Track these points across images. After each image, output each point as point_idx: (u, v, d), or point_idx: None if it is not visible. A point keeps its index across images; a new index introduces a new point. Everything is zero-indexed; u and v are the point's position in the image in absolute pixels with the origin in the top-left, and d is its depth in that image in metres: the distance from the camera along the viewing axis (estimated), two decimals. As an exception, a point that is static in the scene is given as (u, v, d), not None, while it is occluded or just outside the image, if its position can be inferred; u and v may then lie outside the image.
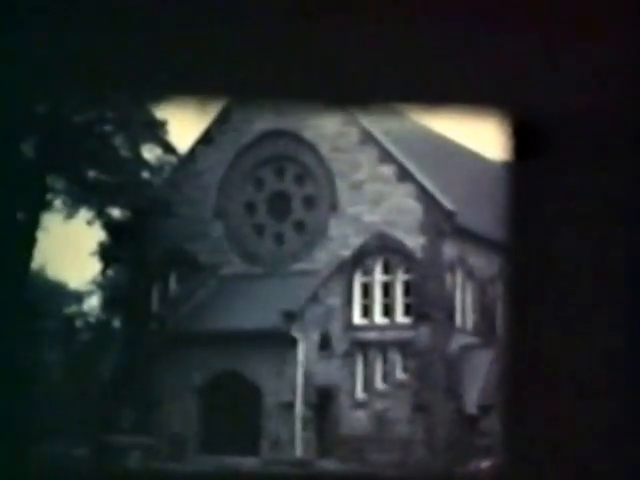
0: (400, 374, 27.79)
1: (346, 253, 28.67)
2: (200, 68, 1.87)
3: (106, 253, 31.78)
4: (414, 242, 28.00)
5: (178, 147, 31.48)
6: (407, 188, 28.47)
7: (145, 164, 30.73)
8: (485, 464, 20.66)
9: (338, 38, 1.80)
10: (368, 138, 29.22)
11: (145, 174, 30.94)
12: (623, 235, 1.85)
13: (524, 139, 1.84)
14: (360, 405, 27.74)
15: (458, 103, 1.88)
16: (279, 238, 30.15)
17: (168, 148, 30.99)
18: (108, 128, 29.67)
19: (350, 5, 1.81)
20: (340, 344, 28.13)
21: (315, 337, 27.71)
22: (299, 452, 26.46)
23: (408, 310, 28.05)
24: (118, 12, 1.90)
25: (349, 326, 28.38)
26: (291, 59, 1.81)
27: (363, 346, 28.16)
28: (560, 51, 1.80)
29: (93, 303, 37.18)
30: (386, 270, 28.54)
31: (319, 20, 1.80)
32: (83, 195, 29.35)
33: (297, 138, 30.00)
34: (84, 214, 29.75)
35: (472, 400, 26.71)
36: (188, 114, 26.93)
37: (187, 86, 1.93)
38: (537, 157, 1.85)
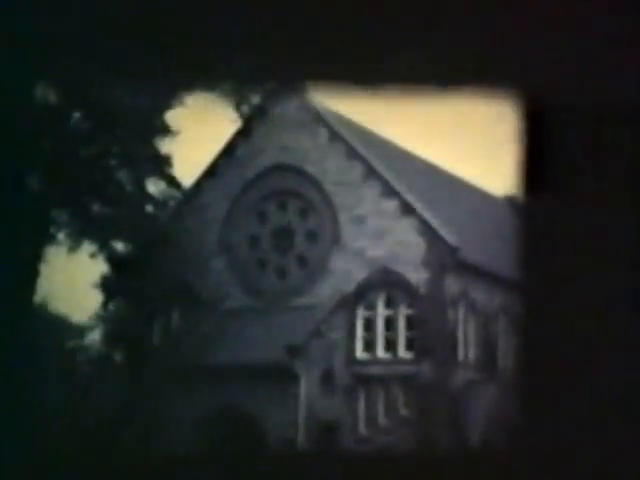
0: (403, 409, 27.68)
1: (349, 287, 28.66)
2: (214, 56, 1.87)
3: (108, 286, 31.77)
4: (417, 277, 27.99)
5: (183, 181, 31.60)
6: (410, 223, 28.51)
7: (149, 198, 30.81)
8: None
9: (351, 21, 1.79)
10: (371, 173, 29.31)
11: (149, 208, 31.01)
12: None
13: (536, 122, 1.82)
14: (363, 441, 27.59)
15: (472, 85, 1.87)
16: (282, 272, 30.16)
17: (172, 182, 31.10)
18: (113, 162, 29.79)
19: None
20: (342, 379, 28.04)
21: (317, 372, 27.62)
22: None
23: (411, 345, 27.99)
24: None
25: (351, 361, 28.31)
26: (302, 42, 1.80)
27: (366, 381, 28.06)
28: (573, 33, 1.78)
29: (95, 336, 37.11)
30: (389, 305, 28.52)
31: (333, 5, 1.79)
32: (86, 228, 29.40)
33: (301, 172, 30.10)
34: (87, 247, 29.80)
35: (475, 435, 26.58)
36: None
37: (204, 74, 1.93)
38: (548, 143, 1.83)
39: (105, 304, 33.57)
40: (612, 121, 1.93)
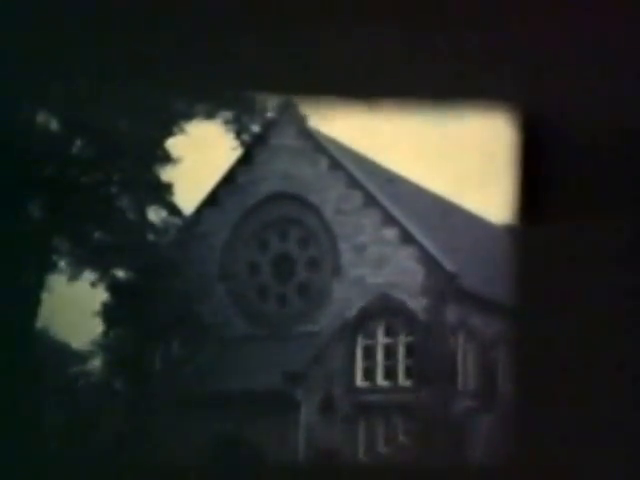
0: (402, 437, 27.67)
1: (349, 315, 28.73)
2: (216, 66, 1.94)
3: (109, 314, 31.82)
4: (417, 304, 28.07)
5: (184, 209, 31.70)
6: (410, 251, 28.62)
7: (150, 226, 30.88)
8: None
9: (347, 37, 1.85)
10: (371, 201, 29.46)
11: (150, 236, 31.08)
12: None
13: (533, 134, 1.88)
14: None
15: (469, 99, 1.93)
16: (282, 300, 30.23)
17: (173, 210, 31.17)
18: (114, 190, 29.91)
19: (359, 5, 1.87)
20: (342, 406, 28.05)
21: (317, 399, 27.64)
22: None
23: (410, 373, 28.02)
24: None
25: (351, 389, 28.33)
26: (300, 58, 1.87)
27: (365, 409, 28.07)
28: (568, 47, 1.84)
29: (96, 364, 37.07)
30: (388, 333, 28.57)
31: (327, 21, 1.86)
32: (88, 256, 29.48)
33: (301, 201, 30.24)
34: (88, 275, 29.86)
35: (475, 463, 26.54)
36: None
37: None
38: (544, 153, 1.88)
39: (106, 332, 33.59)
40: (610, 140, 2.01)
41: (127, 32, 2.01)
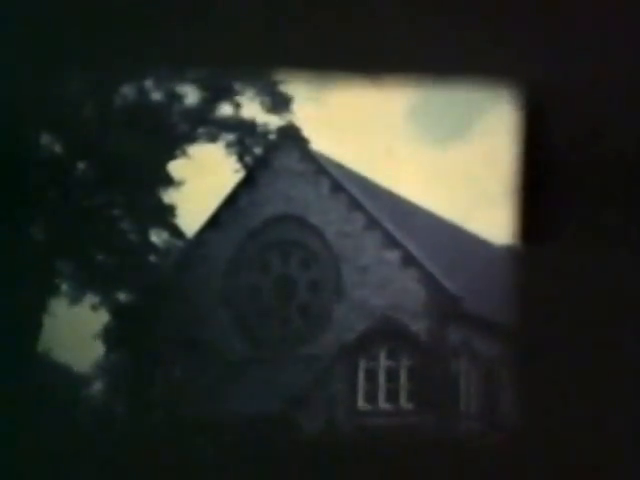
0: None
1: (351, 337, 28.69)
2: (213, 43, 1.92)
3: (111, 337, 31.79)
4: (419, 327, 28.04)
5: (186, 231, 31.75)
6: (412, 273, 28.61)
7: (152, 248, 30.93)
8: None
9: (348, 12, 1.82)
10: (373, 223, 29.49)
11: (152, 258, 31.11)
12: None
13: (535, 112, 1.85)
14: (365, 492, 27.45)
15: (473, 75, 1.89)
16: (284, 322, 30.20)
17: (175, 232, 31.21)
18: (116, 212, 29.97)
19: None
20: (344, 429, 27.94)
21: (319, 422, 27.55)
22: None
23: (412, 396, 27.93)
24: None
25: (353, 411, 28.24)
26: (303, 31, 1.83)
27: (367, 432, 27.95)
28: (572, 27, 1.81)
29: (97, 387, 37.02)
30: (390, 355, 28.51)
31: None
32: (90, 279, 29.49)
33: (303, 223, 30.28)
34: (90, 298, 29.86)
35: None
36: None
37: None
38: (545, 133, 1.84)
39: (107, 354, 33.55)
40: (613, 139, 1.98)
41: (126, 31, 1.99)
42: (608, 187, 1.94)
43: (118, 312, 31.07)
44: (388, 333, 28.42)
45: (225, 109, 29.43)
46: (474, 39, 1.91)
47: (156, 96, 28.91)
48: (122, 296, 30.90)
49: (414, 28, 1.92)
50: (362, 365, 28.67)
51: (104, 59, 2.02)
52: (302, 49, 1.93)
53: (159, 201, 30.08)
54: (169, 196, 30.12)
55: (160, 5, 1.96)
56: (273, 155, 30.90)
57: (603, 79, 1.92)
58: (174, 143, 28.82)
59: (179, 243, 31.62)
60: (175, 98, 29.08)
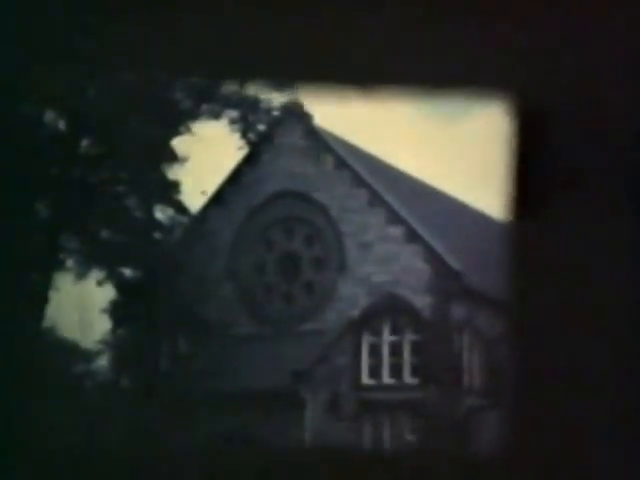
0: (408, 435, 27.73)
1: (355, 313, 28.81)
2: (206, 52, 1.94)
3: (116, 312, 31.93)
4: (422, 303, 28.14)
5: (190, 208, 31.80)
6: (415, 249, 28.69)
7: (157, 224, 30.99)
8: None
9: (344, 23, 1.84)
10: (377, 199, 29.52)
11: (157, 234, 31.19)
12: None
13: (529, 123, 1.87)
14: (368, 466, 27.63)
15: (466, 86, 1.91)
16: (288, 298, 30.32)
17: (180, 208, 31.26)
18: (120, 188, 30.01)
19: None
20: (348, 404, 28.12)
21: (323, 397, 27.71)
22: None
23: (416, 371, 28.07)
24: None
25: (357, 386, 28.40)
26: (300, 41, 1.86)
27: (371, 407, 28.13)
28: (567, 36, 1.83)
29: (102, 362, 37.19)
30: (394, 331, 28.64)
31: (326, 6, 1.84)
32: (95, 255, 29.59)
33: (307, 199, 30.32)
34: (95, 274, 29.97)
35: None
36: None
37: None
38: (540, 144, 1.86)
39: (114, 330, 33.71)
40: (611, 125, 1.98)
41: (127, 22, 2.01)
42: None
43: (123, 288, 31.20)
44: (392, 309, 28.54)
45: (228, 86, 29.43)
46: (470, 49, 1.94)
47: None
48: (127, 272, 31.03)
49: (409, 38, 1.94)
50: (366, 340, 28.80)
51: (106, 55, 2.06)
52: (299, 61, 1.96)
53: (163, 177, 30.13)
54: (173, 172, 30.19)
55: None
56: (276, 132, 30.89)
57: (603, 90, 1.96)
58: (178, 120, 28.82)
59: (183, 219, 31.68)
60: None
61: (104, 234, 29.72)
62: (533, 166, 1.99)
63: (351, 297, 29.03)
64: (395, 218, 29.19)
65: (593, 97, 1.94)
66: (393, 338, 28.60)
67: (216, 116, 29.59)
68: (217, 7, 1.98)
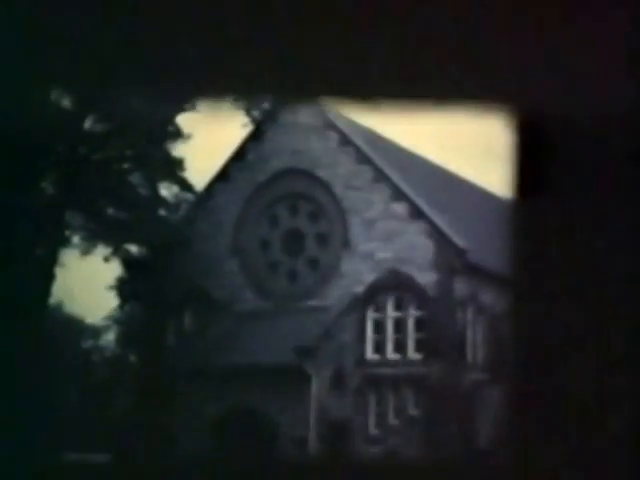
0: (412, 410, 27.92)
1: (359, 290, 28.91)
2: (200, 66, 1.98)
3: (123, 289, 32.09)
4: (426, 279, 28.23)
5: (195, 184, 31.87)
6: (419, 226, 28.75)
7: (162, 201, 31.09)
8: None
9: (343, 35, 1.85)
10: (381, 176, 29.56)
11: (162, 211, 31.29)
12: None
13: (531, 136, 1.90)
14: (373, 440, 27.84)
15: (465, 100, 1.94)
16: (293, 275, 30.43)
17: (185, 185, 31.34)
18: (126, 166, 30.10)
19: (355, 2, 1.86)
20: (353, 380, 28.29)
21: (328, 373, 27.88)
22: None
23: (420, 346, 28.22)
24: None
25: (362, 362, 28.56)
26: (295, 55, 1.88)
27: (375, 382, 28.30)
28: (567, 48, 1.85)
29: (109, 338, 37.43)
30: (398, 307, 28.76)
31: (324, 18, 1.86)
32: (101, 231, 29.72)
33: (311, 176, 30.37)
34: (101, 250, 30.12)
35: (484, 435, 26.79)
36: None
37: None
38: (542, 157, 1.89)
39: (121, 306, 33.89)
40: (611, 130, 2.00)
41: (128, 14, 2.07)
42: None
43: (130, 264, 31.34)
44: (396, 285, 28.63)
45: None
46: (472, 63, 1.97)
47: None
48: (133, 248, 31.17)
49: (408, 53, 1.98)
50: (370, 316, 28.93)
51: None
52: (301, 74, 2.00)
53: (168, 154, 30.19)
54: (178, 149, 30.25)
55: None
56: (281, 109, 30.89)
57: (602, 106, 2.00)
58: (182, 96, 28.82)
59: (188, 196, 31.76)
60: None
61: (110, 211, 29.85)
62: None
63: (355, 273, 29.13)
64: (399, 195, 29.24)
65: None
66: (397, 314, 28.73)
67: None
68: (220, 19, 1.99)
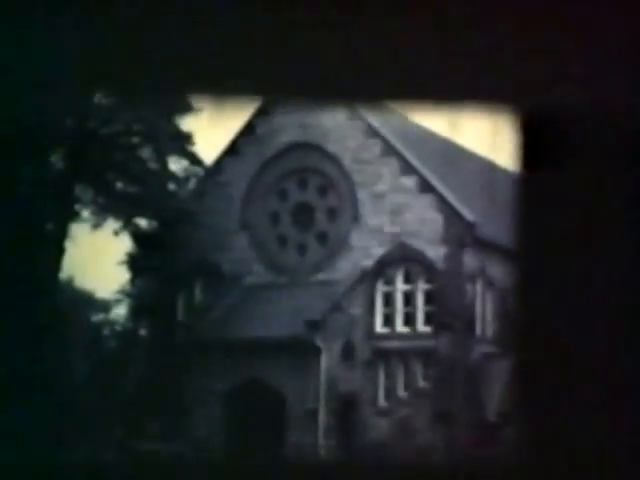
0: (421, 382, 28.03)
1: (368, 263, 28.95)
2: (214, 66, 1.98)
3: (133, 263, 32.19)
4: (435, 252, 28.25)
5: (204, 159, 31.88)
6: (428, 199, 28.74)
7: (171, 175, 31.12)
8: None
9: (348, 36, 1.85)
10: (390, 150, 29.52)
11: (171, 185, 31.32)
12: (633, 243, 1.91)
13: (534, 136, 1.90)
14: (382, 413, 27.99)
15: (470, 100, 1.94)
16: (302, 248, 30.48)
17: (194, 160, 31.34)
18: (135, 140, 30.10)
19: (359, 4, 1.86)
20: (362, 353, 28.40)
21: (338, 346, 27.98)
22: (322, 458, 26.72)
23: (429, 319, 28.29)
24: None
25: (371, 335, 28.65)
26: (302, 57, 1.88)
27: (385, 355, 28.41)
28: (568, 50, 1.85)
29: (120, 312, 37.59)
30: (407, 280, 28.80)
31: (333, 18, 1.86)
32: (110, 206, 29.78)
33: (320, 150, 30.34)
34: (111, 224, 30.21)
35: (492, 408, 26.90)
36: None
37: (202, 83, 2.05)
38: (546, 154, 1.89)
39: (132, 280, 34.01)
40: (612, 125, 1.99)
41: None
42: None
43: (139, 238, 31.42)
44: (405, 258, 28.66)
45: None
46: (474, 63, 1.97)
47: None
48: (143, 223, 31.24)
49: (413, 53, 1.97)
50: (379, 290, 28.98)
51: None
52: (302, 74, 1.99)
53: (177, 129, 30.17)
54: (187, 124, 30.21)
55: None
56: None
57: (603, 104, 2.00)
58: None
59: (198, 170, 31.76)
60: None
61: (119, 185, 29.90)
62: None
63: (364, 247, 29.17)
64: (408, 169, 29.21)
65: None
66: (406, 287, 28.77)
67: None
68: (220, 21, 1.98)
